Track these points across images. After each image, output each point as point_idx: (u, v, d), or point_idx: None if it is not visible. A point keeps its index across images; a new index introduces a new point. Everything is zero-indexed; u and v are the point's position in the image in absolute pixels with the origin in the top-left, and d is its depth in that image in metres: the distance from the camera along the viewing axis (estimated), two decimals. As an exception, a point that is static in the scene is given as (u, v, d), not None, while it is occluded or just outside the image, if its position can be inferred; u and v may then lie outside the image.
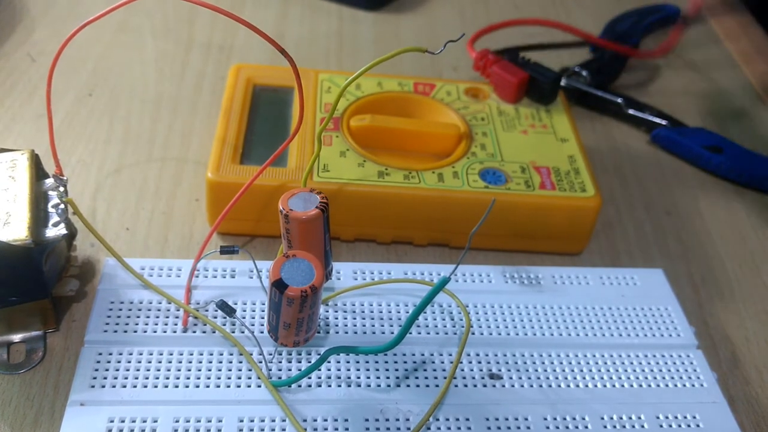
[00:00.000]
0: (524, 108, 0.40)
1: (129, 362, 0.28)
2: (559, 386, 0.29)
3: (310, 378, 0.28)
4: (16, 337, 0.29)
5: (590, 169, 0.36)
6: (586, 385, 0.29)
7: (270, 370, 0.28)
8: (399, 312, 0.31)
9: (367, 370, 0.29)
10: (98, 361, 0.28)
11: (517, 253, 0.36)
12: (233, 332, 0.30)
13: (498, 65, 0.41)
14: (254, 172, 0.33)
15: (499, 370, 0.30)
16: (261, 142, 0.36)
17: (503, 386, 0.29)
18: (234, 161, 0.34)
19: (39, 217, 0.28)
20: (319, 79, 0.40)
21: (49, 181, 0.30)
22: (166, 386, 0.27)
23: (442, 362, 0.30)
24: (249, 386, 0.28)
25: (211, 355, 0.29)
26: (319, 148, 0.32)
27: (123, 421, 0.26)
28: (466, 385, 0.29)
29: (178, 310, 0.30)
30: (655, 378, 0.30)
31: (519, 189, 0.34)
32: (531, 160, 0.36)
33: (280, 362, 0.29)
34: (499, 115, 0.39)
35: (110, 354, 0.28)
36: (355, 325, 0.31)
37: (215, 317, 0.30)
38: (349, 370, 0.29)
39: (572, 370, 0.30)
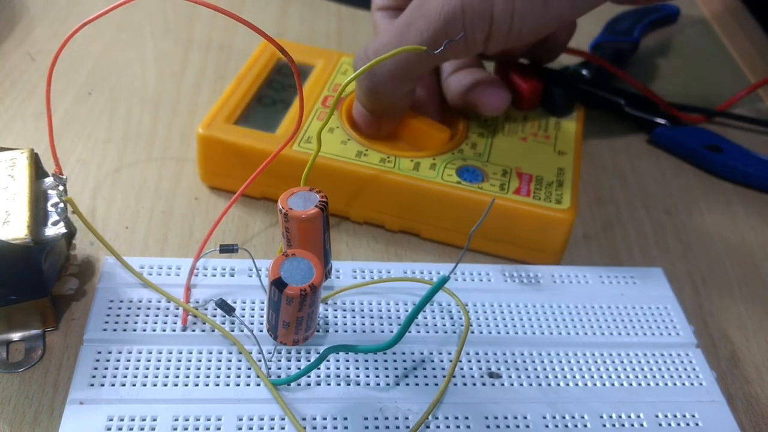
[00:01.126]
0: (535, 117, 0.39)
1: (128, 361, 0.28)
2: (559, 385, 0.29)
3: (309, 377, 0.28)
4: (16, 336, 0.29)
5: (576, 186, 0.35)
6: (586, 384, 0.29)
7: (269, 368, 0.28)
8: (398, 311, 0.31)
9: (367, 368, 0.29)
10: (97, 360, 0.28)
11: (489, 256, 0.36)
12: (233, 331, 0.30)
13: (516, 71, 0.40)
14: (246, 135, 0.35)
15: (499, 369, 0.30)
16: (263, 110, 0.38)
17: (502, 385, 0.29)
18: (228, 121, 0.36)
19: (38, 215, 0.28)
20: (339, 61, 0.41)
21: (49, 180, 0.30)
22: (166, 385, 0.27)
23: (442, 361, 0.30)
24: (248, 385, 0.28)
25: (211, 353, 0.29)
26: (319, 147, 0.31)
27: (122, 420, 0.26)
28: (465, 384, 0.29)
29: (178, 309, 0.30)
30: (654, 377, 0.30)
31: (491, 190, 0.34)
32: (517, 166, 0.36)
33: (280, 361, 0.29)
34: (505, 120, 0.39)
35: (109, 353, 0.28)
36: (354, 324, 0.31)
37: (215, 316, 0.30)
38: (348, 368, 0.29)
39: (571, 369, 0.30)
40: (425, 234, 0.36)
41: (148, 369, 0.28)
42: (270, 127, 0.36)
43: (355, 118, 0.37)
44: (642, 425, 0.28)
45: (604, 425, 0.28)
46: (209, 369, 0.28)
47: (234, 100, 0.37)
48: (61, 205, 0.29)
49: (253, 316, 0.30)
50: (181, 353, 0.29)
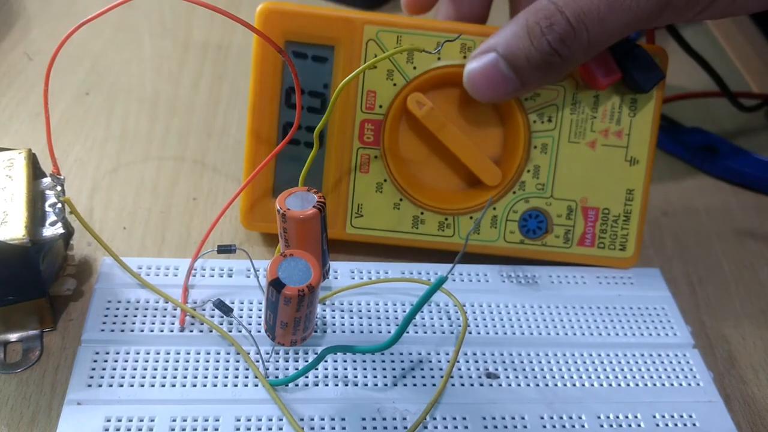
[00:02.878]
0: (606, 98, 0.33)
1: (126, 361, 0.28)
2: (556, 385, 0.29)
3: (307, 377, 0.28)
4: (13, 337, 0.29)
5: (643, 220, 0.34)
6: (583, 384, 0.30)
7: (267, 369, 0.28)
8: (396, 311, 0.31)
9: (364, 369, 0.29)
10: (95, 360, 0.28)
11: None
12: (230, 331, 0.30)
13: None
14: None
15: (496, 369, 0.30)
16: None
17: (500, 385, 0.29)
18: (269, 143, 0.33)
19: (36, 216, 0.28)
20: (364, 39, 0.32)
21: (47, 180, 0.30)
22: (163, 385, 0.27)
23: (439, 361, 0.30)
24: (246, 385, 0.28)
25: (208, 354, 0.29)
26: (317, 147, 0.31)
27: (120, 420, 0.26)
28: (463, 384, 0.29)
29: (176, 310, 0.30)
30: (651, 377, 0.30)
31: (555, 244, 0.34)
32: (583, 196, 0.33)
33: (278, 361, 0.29)
34: (571, 110, 0.33)
35: (107, 353, 0.28)
36: (352, 324, 0.31)
37: (212, 316, 0.30)
38: (346, 369, 0.29)
39: (569, 370, 0.30)
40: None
41: (146, 370, 0.28)
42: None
43: (483, 79, 0.30)
44: (639, 425, 0.28)
45: (602, 425, 0.28)
46: (207, 370, 0.28)
47: (266, 119, 0.33)
48: (59, 205, 0.29)
49: (251, 317, 0.30)
50: (179, 354, 0.28)
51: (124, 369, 0.28)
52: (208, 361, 0.28)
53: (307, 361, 0.29)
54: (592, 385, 0.30)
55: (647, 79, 0.32)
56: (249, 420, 0.27)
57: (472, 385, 0.29)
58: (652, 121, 0.33)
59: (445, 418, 0.28)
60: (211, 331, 0.29)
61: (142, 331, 0.29)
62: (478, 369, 0.30)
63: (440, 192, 0.34)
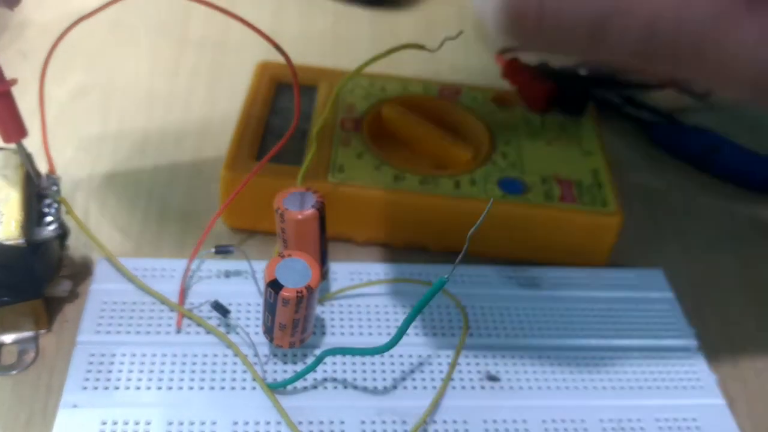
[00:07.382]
0: (551, 119, 0.39)
1: (122, 364, 0.28)
2: (558, 388, 0.29)
3: (305, 380, 0.28)
4: (8, 338, 0.29)
5: (613, 185, 0.35)
6: (585, 387, 0.29)
7: (265, 371, 0.28)
8: (396, 313, 0.31)
9: (364, 371, 0.29)
10: (91, 363, 0.28)
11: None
12: (228, 333, 0.29)
13: (527, 74, 0.40)
14: (270, 169, 0.33)
15: (497, 372, 0.29)
16: (278, 141, 0.35)
17: (501, 388, 0.29)
18: (250, 158, 0.34)
19: (32, 216, 0.28)
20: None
21: (42, 180, 0.30)
22: (160, 388, 0.27)
23: (440, 364, 0.29)
24: (244, 388, 0.28)
25: (206, 356, 0.28)
26: (315, 147, 0.31)
27: (116, 423, 0.26)
28: (463, 387, 0.29)
29: (172, 311, 0.30)
30: (654, 379, 0.30)
31: (538, 200, 0.34)
32: (553, 172, 0.35)
33: (276, 364, 0.29)
34: (525, 124, 0.38)
35: (103, 355, 0.28)
36: (351, 326, 0.30)
37: (210, 318, 0.30)
38: (345, 371, 0.29)
39: (571, 372, 0.30)
40: (470, 252, 0.35)
41: (142, 372, 0.28)
42: (295, 159, 0.34)
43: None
44: (642, 428, 0.28)
45: (604, 429, 0.28)
46: (204, 372, 0.28)
47: (249, 134, 0.35)
48: (55, 205, 0.29)
49: (249, 319, 0.30)
50: (175, 356, 0.28)
51: (120, 371, 0.27)
52: (205, 364, 0.28)
53: (305, 364, 0.29)
54: (595, 387, 0.29)
55: (576, 109, 0.39)
56: (247, 423, 0.26)
57: (473, 387, 0.29)
58: (595, 129, 0.39)
59: (445, 422, 0.27)
60: (208, 333, 0.29)
61: (139, 333, 0.29)
62: (479, 371, 0.29)
63: (418, 165, 0.36)
